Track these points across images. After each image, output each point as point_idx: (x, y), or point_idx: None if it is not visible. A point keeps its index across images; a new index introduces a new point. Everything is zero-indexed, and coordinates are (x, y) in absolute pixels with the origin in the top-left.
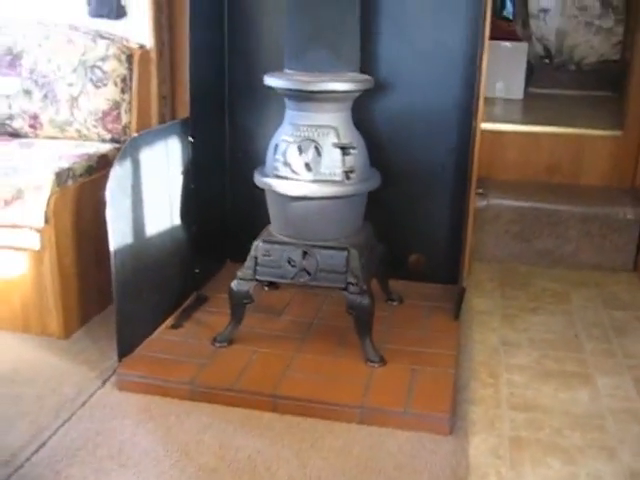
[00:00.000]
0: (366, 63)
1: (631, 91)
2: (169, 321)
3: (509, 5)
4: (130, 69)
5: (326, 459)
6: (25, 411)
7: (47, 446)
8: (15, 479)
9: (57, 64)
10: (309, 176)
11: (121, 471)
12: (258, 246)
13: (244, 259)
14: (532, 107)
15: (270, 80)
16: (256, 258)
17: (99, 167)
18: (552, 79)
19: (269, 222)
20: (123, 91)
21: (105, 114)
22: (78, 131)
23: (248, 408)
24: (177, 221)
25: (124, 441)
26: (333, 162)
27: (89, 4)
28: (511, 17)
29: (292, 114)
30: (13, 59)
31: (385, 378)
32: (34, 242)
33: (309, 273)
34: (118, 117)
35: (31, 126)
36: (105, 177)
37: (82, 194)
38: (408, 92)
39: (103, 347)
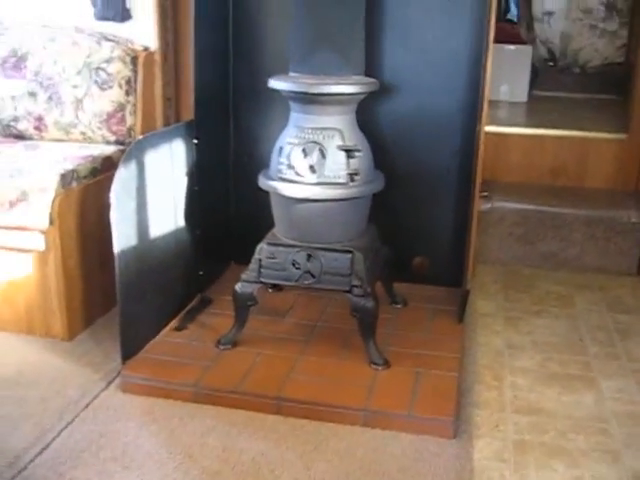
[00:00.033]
0: (371, 66)
1: (636, 94)
2: (173, 323)
3: (513, 8)
4: (135, 71)
5: (330, 462)
6: (29, 413)
7: (51, 448)
8: None
9: (62, 66)
10: (313, 179)
11: (125, 473)
12: (262, 248)
13: (248, 261)
14: (536, 110)
15: (275, 83)
16: (260, 260)
17: (103, 169)
18: (556, 82)
19: (273, 225)
20: (128, 93)
21: (110, 116)
22: (83, 133)
23: (252, 410)
24: (181, 223)
25: (128, 443)
26: (337, 165)
27: (95, 7)
28: (515, 20)
29: (297, 117)
30: (18, 61)
31: (389, 381)
32: (38, 244)
33: (313, 276)
34: (123, 119)
35: (36, 128)
36: (109, 179)
37: (86, 196)
38: (413, 95)
39: (107, 349)
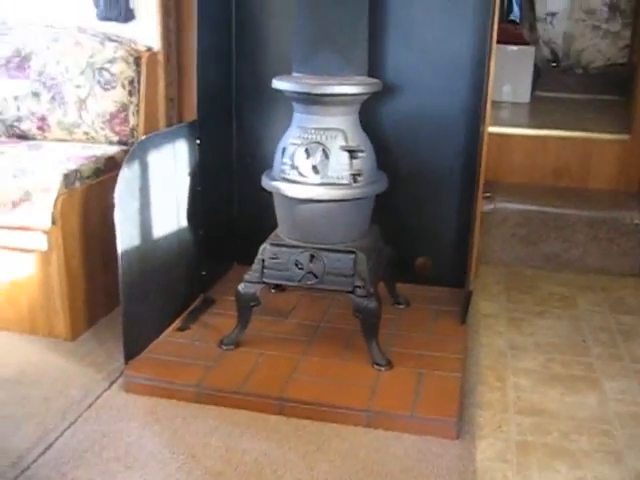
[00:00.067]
0: (374, 66)
1: (638, 95)
2: (176, 323)
3: (516, 9)
4: (138, 71)
5: (332, 462)
6: (32, 413)
7: (53, 448)
8: None
9: (65, 66)
10: (316, 179)
11: (127, 473)
12: (266, 249)
13: (251, 262)
14: (539, 111)
15: (278, 83)
16: (263, 261)
17: (106, 169)
18: (559, 83)
19: (276, 225)
20: (131, 93)
21: (113, 116)
22: (86, 133)
23: (254, 411)
24: (184, 223)
25: (130, 443)
26: (341, 165)
27: (97, 7)
28: (518, 21)
29: (300, 117)
30: (22, 61)
31: (392, 381)
32: (41, 243)
33: (316, 276)
34: (126, 119)
35: (39, 128)
36: (112, 179)
37: (89, 196)
38: (416, 95)
39: (110, 349)
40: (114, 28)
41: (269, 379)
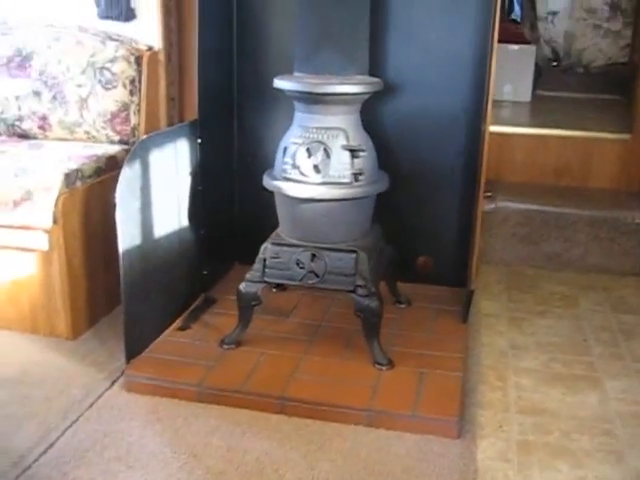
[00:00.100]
0: (375, 66)
1: (639, 94)
2: (177, 323)
3: (517, 8)
4: (139, 71)
5: (334, 461)
6: (33, 412)
7: (55, 447)
8: None
9: (66, 65)
10: (318, 178)
11: (129, 473)
12: (267, 248)
13: (252, 261)
14: (540, 110)
15: (280, 83)
16: (265, 260)
17: (107, 168)
18: (560, 82)
19: (277, 225)
20: (132, 93)
21: (114, 116)
22: (87, 132)
23: (256, 410)
24: (185, 223)
25: (132, 443)
26: (342, 164)
27: (98, 6)
28: (519, 20)
29: (301, 117)
30: (23, 60)
31: (393, 381)
32: (42, 243)
33: (317, 275)
34: (127, 119)
35: (40, 127)
36: (113, 178)
37: (91, 195)
38: (417, 95)
39: (111, 348)
40: (115, 27)
41: (270, 378)
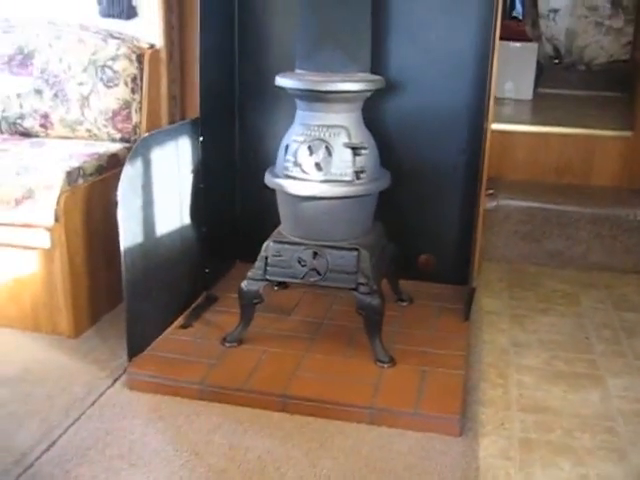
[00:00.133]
0: (377, 63)
1: None
2: (179, 321)
3: (518, 5)
4: (140, 69)
5: (336, 459)
6: (35, 410)
7: (57, 445)
8: (25, 478)
9: (68, 63)
10: (320, 176)
11: (131, 471)
12: (269, 246)
13: (253, 259)
14: (541, 107)
15: (281, 80)
16: (266, 258)
17: (109, 166)
18: (561, 79)
19: (279, 223)
20: (133, 91)
21: (115, 114)
22: (88, 130)
23: (258, 408)
24: (187, 221)
25: (134, 440)
26: (344, 162)
27: (100, 4)
28: (520, 17)
29: (303, 114)
30: (24, 59)
31: (395, 379)
32: (44, 241)
33: (319, 273)
34: (128, 117)
35: (42, 125)
36: (115, 176)
37: (92, 193)
38: (419, 92)
39: (113, 346)
40: (116, 25)
41: (272, 376)
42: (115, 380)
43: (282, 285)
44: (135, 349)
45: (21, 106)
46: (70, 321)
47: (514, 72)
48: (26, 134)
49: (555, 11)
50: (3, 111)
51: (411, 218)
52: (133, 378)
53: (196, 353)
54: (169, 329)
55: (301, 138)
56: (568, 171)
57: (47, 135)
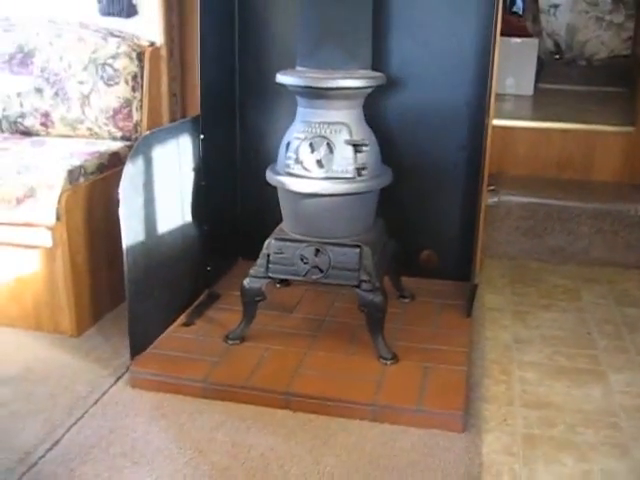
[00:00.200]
0: (378, 60)
1: None
2: (181, 319)
3: (519, 1)
4: (141, 67)
5: (339, 456)
6: (38, 409)
7: (60, 444)
8: (29, 477)
9: (68, 62)
10: (321, 173)
11: (134, 469)
12: (270, 243)
13: (255, 257)
14: (542, 103)
15: (282, 77)
16: (268, 256)
17: (110, 165)
18: (562, 75)
19: (281, 220)
20: (134, 89)
21: (116, 112)
22: (89, 129)
23: (261, 405)
24: (188, 219)
25: (137, 439)
26: (345, 159)
27: (100, 2)
28: (521, 13)
29: (304, 111)
30: (25, 57)
31: (397, 375)
32: (46, 240)
33: (321, 270)
34: (129, 115)
35: (42, 124)
36: (116, 175)
37: (94, 192)
38: (419, 89)
39: (115, 345)
40: (117, 23)
41: (275, 374)
42: (118, 378)
43: (284, 282)
44: (137, 347)
45: (22, 105)
46: (72, 320)
47: (515, 68)
48: (27, 133)
49: (556, 6)
50: (4, 110)
51: (412, 214)
52: (136, 376)
53: (199, 351)
54: (171, 327)
55: (302, 135)
56: (569, 167)
57: (48, 134)
